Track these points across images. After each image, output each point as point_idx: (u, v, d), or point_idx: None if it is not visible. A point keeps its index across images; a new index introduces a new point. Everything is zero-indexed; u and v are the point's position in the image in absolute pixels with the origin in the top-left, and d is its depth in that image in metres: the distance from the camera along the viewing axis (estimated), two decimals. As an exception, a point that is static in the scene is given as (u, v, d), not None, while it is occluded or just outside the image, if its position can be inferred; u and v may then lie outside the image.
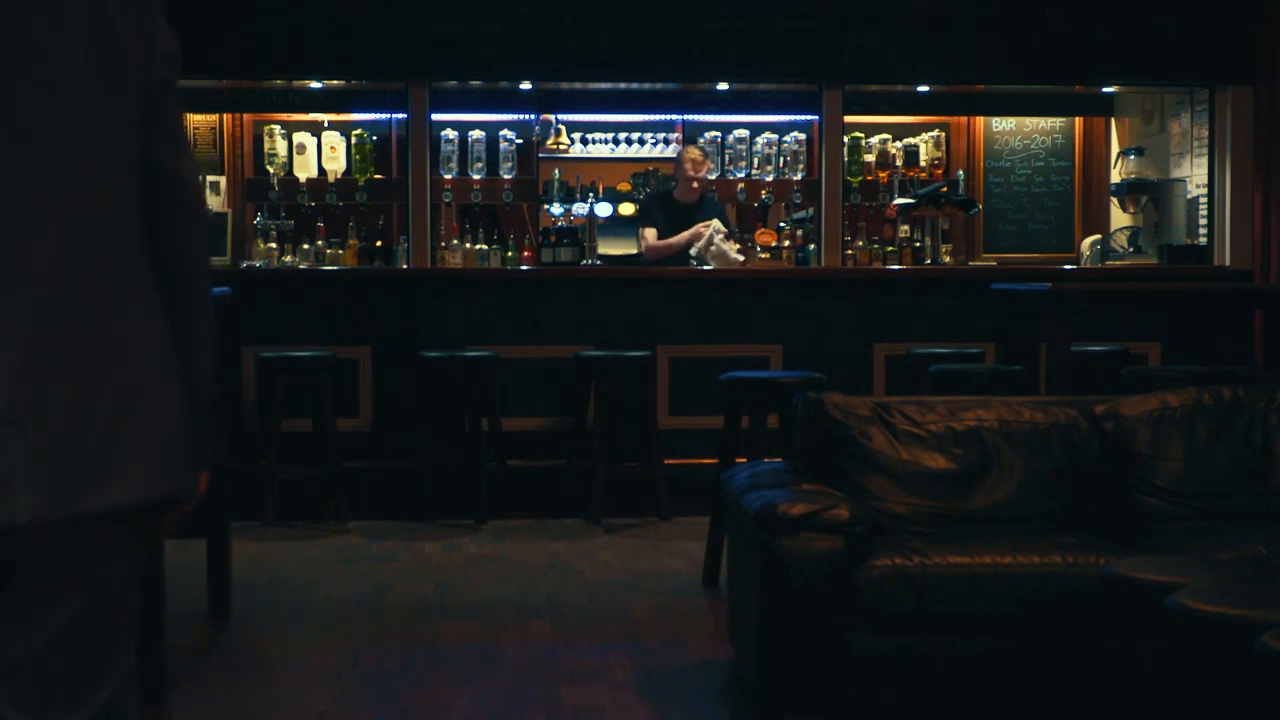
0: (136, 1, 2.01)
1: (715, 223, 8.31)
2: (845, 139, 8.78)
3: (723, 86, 8.75)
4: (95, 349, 1.93)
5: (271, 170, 9.03)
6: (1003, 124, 10.09)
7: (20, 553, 1.90)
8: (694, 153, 8.58)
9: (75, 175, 1.93)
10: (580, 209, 9.40)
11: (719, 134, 9.29)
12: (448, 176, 8.90)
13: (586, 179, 9.50)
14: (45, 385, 1.88)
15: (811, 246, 8.79)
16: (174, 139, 2.07)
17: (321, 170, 9.04)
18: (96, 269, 1.94)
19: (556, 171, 9.46)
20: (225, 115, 9.24)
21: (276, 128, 9.09)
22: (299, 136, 9.03)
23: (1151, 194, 9.41)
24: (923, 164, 9.59)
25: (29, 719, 1.91)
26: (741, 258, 8.35)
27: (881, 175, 9.40)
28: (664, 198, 8.74)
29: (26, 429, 1.86)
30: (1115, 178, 9.75)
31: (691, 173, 8.50)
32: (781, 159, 9.23)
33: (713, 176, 9.15)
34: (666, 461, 7.67)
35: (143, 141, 2.02)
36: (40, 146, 1.91)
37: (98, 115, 1.95)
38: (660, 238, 8.52)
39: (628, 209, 8.92)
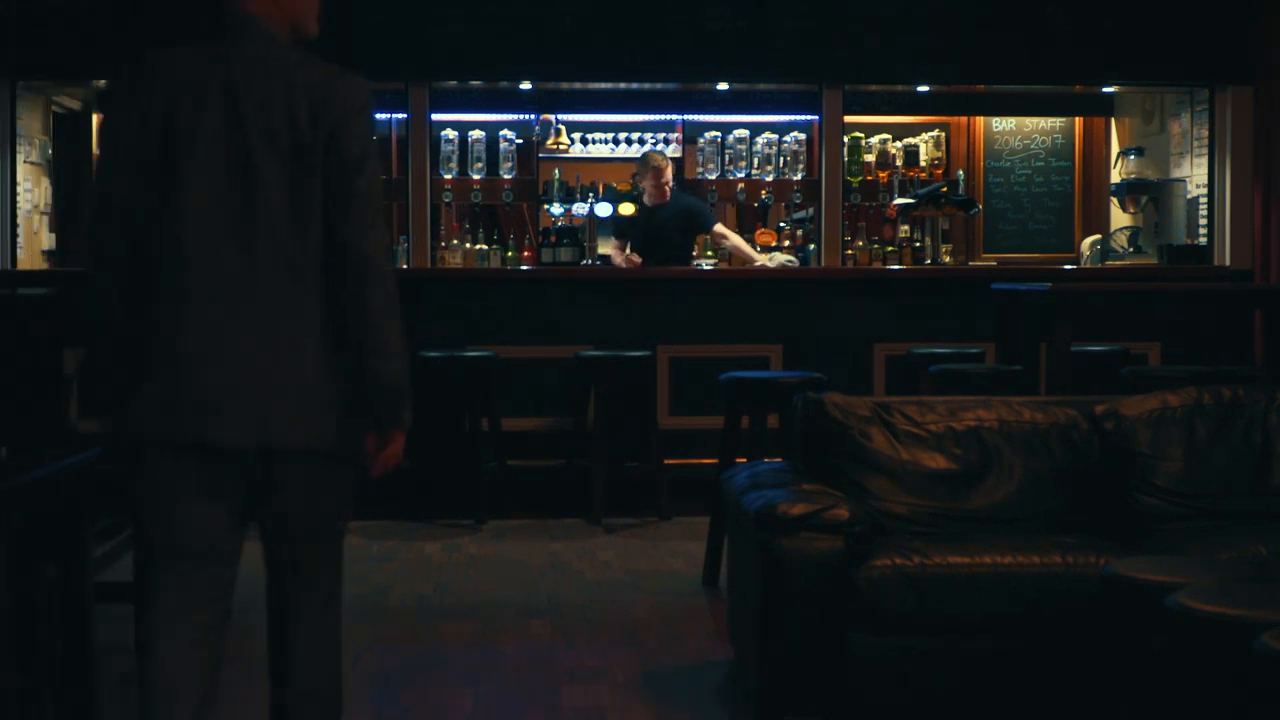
0: (328, 131, 2.97)
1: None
2: (845, 139, 8.77)
3: (723, 86, 8.75)
4: (281, 349, 3.02)
5: (272, 171, 9.02)
6: (1003, 124, 10.09)
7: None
8: (656, 159, 8.71)
9: (270, 239, 2.97)
10: (580, 209, 9.41)
11: (719, 134, 9.29)
12: (448, 176, 8.90)
13: (586, 179, 9.50)
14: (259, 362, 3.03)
15: (811, 246, 8.79)
16: (350, 216, 2.98)
17: (321, 170, 9.03)
18: (286, 300, 2.99)
19: (556, 171, 9.46)
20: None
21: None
22: (299, 136, 9.03)
23: (1151, 194, 9.41)
24: (923, 164, 9.59)
25: (282, 546, 3.41)
26: None
27: (881, 175, 9.39)
28: (636, 207, 8.88)
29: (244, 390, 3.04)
30: (1115, 178, 9.75)
31: (653, 181, 8.64)
32: (781, 159, 9.23)
33: (713, 176, 9.18)
34: (666, 461, 7.67)
35: (327, 217, 2.98)
36: (250, 220, 2.98)
37: (286, 203, 2.98)
38: (635, 243, 8.72)
39: (628, 209, 8.93)
